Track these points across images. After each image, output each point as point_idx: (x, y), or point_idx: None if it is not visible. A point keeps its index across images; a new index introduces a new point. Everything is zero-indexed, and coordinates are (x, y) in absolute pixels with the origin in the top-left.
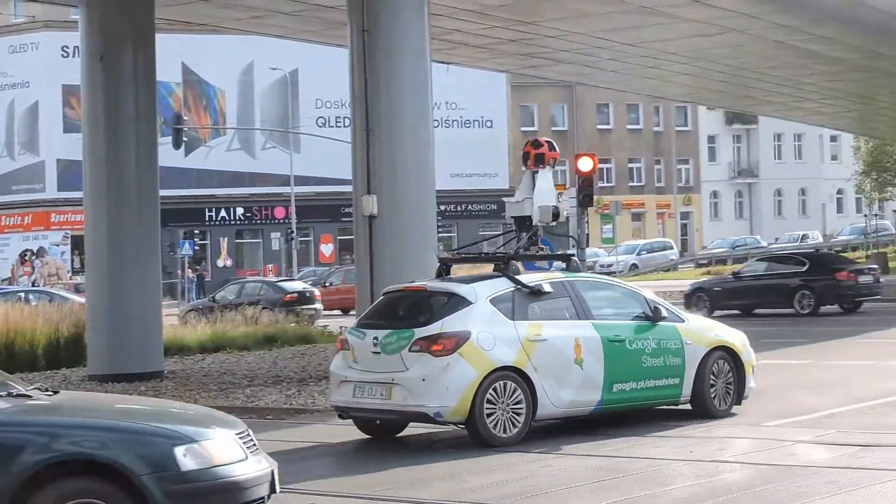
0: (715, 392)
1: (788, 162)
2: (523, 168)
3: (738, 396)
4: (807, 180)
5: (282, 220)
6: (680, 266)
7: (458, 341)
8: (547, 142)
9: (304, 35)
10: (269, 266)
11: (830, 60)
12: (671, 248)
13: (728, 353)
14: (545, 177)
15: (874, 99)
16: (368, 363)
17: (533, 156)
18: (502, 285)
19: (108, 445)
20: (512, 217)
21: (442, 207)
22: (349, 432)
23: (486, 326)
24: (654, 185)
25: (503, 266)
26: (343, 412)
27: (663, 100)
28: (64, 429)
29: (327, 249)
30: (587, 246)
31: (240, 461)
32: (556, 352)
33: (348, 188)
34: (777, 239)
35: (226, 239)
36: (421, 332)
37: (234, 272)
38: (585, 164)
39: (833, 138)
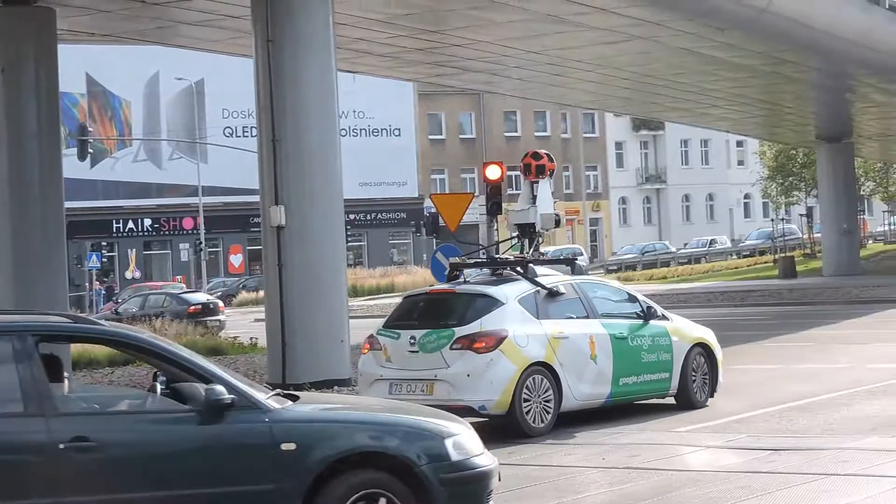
0: (696, 385)
1: (695, 167)
2: (523, 178)
3: (712, 389)
4: (714, 185)
5: (190, 231)
6: (590, 272)
7: (497, 339)
8: (546, 154)
9: (210, 45)
10: (178, 277)
11: (735, 67)
12: (581, 254)
13: (704, 350)
14: (545, 187)
15: (778, 104)
16: (404, 362)
17: (534, 167)
18: (526, 287)
19: (393, 439)
20: (515, 224)
21: (351, 216)
22: None
23: (519, 325)
24: (563, 192)
25: (521, 269)
26: None
27: (570, 107)
28: (355, 424)
29: (237, 260)
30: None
31: (483, 453)
32: (576, 348)
33: (257, 198)
34: (686, 244)
35: (134, 251)
36: (461, 330)
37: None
38: (493, 173)
39: (739, 143)
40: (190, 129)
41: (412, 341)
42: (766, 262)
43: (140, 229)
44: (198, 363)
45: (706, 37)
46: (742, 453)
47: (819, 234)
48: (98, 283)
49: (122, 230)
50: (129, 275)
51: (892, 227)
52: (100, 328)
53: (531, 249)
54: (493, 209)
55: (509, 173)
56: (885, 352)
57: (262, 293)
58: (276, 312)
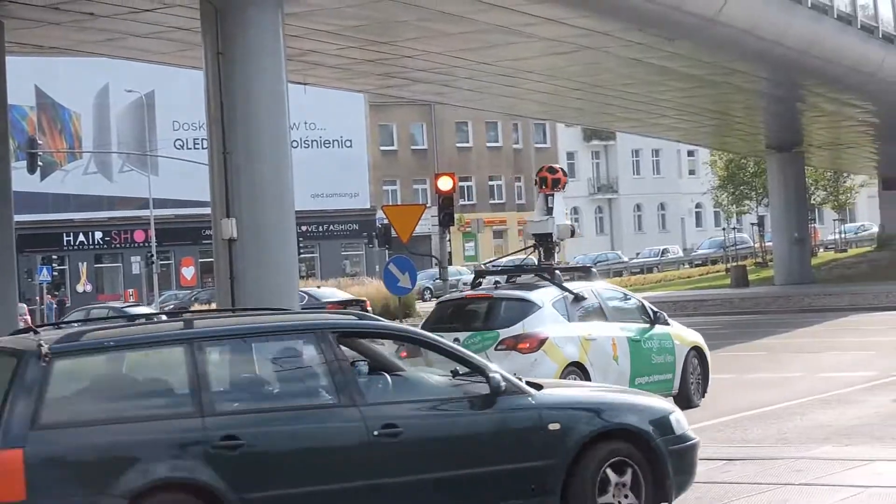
0: (693, 386)
1: (647, 177)
2: (538, 191)
3: (704, 390)
4: (665, 195)
5: (142, 244)
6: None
7: (540, 340)
8: (560, 169)
9: (160, 57)
10: (130, 290)
11: (685, 77)
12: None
13: (698, 353)
14: (559, 199)
15: (729, 114)
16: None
17: (550, 180)
18: (557, 292)
19: (633, 417)
20: (533, 234)
21: (303, 228)
22: None
23: (556, 327)
24: (515, 202)
25: (548, 276)
26: None
27: (522, 117)
28: (603, 405)
29: (188, 272)
30: (450, 264)
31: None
32: (602, 350)
33: (209, 210)
34: (638, 254)
35: (85, 264)
36: (505, 332)
37: (94, 297)
38: (445, 184)
39: (690, 153)
40: (140, 142)
41: (455, 342)
42: (717, 272)
43: (91, 242)
44: (469, 356)
45: (656, 47)
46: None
47: (770, 243)
48: (49, 296)
49: (72, 243)
50: (80, 288)
51: (843, 236)
52: (386, 324)
53: (546, 257)
54: (446, 220)
55: (461, 184)
56: (838, 360)
57: (214, 306)
58: None
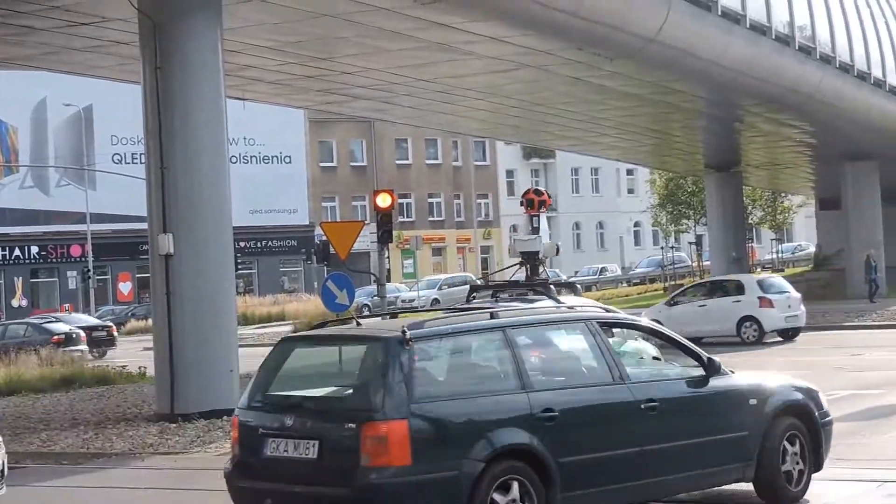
0: None
1: (586, 195)
2: (524, 212)
3: None
4: (604, 213)
5: (78, 259)
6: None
7: None
8: (545, 191)
9: (98, 71)
10: (67, 305)
11: (625, 96)
12: (472, 282)
13: None
14: (543, 220)
15: (668, 133)
16: None
17: (536, 202)
18: (554, 305)
19: (800, 395)
20: (521, 252)
21: (241, 244)
22: (148, 477)
23: None
24: (455, 220)
25: (542, 290)
26: None
27: (461, 135)
28: (781, 387)
29: (125, 288)
30: (388, 281)
31: None
32: None
33: (146, 225)
34: (576, 272)
35: (20, 278)
36: None
37: (29, 311)
38: (384, 201)
39: (629, 172)
40: (78, 156)
41: None
42: (656, 290)
43: (27, 257)
44: (689, 344)
45: (595, 66)
46: None
47: (708, 262)
48: None
49: (8, 258)
50: (15, 303)
51: (781, 256)
52: (630, 318)
53: (531, 273)
54: (384, 237)
55: (400, 201)
56: None
57: (151, 321)
58: (164, 341)
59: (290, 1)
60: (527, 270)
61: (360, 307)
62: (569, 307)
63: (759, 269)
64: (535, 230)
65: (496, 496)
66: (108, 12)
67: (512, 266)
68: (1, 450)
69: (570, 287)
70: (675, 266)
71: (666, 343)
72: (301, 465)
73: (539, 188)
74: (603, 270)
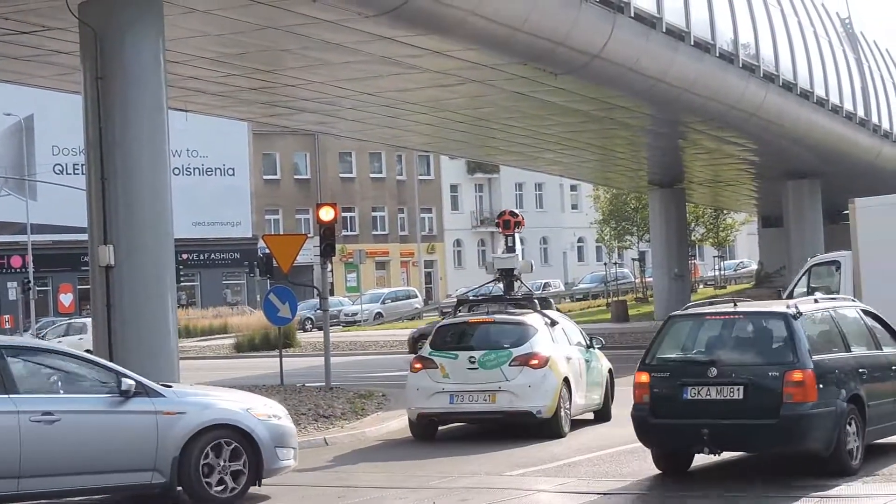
0: (610, 403)
1: (530, 211)
2: (500, 231)
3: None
4: (548, 229)
5: (19, 270)
6: (424, 314)
7: (546, 358)
8: (519, 213)
9: (38, 81)
10: (6, 317)
11: (569, 112)
12: (416, 296)
13: (610, 374)
14: (517, 238)
15: (611, 150)
16: (464, 377)
17: (513, 223)
18: (540, 318)
19: None
20: (499, 269)
21: (184, 256)
22: None
23: (552, 347)
24: (398, 234)
25: (528, 303)
26: (437, 417)
27: (406, 149)
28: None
29: (66, 299)
30: (332, 295)
31: None
32: (576, 367)
33: (87, 237)
34: (520, 287)
35: None
36: (517, 351)
37: None
38: (326, 214)
39: (573, 187)
40: (18, 166)
41: (472, 360)
42: (598, 306)
43: None
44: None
45: (540, 81)
46: (572, 497)
47: (651, 279)
48: None
49: None
50: None
51: (723, 273)
52: None
53: (507, 290)
54: (327, 250)
55: (344, 214)
56: None
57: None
58: (104, 353)
59: (233, 12)
60: (504, 286)
61: (302, 321)
62: (551, 319)
63: (701, 286)
64: (511, 249)
65: (848, 428)
66: (48, 21)
67: (488, 282)
68: (287, 420)
69: (546, 302)
70: (619, 282)
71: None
72: (726, 404)
73: (514, 210)
74: (546, 286)
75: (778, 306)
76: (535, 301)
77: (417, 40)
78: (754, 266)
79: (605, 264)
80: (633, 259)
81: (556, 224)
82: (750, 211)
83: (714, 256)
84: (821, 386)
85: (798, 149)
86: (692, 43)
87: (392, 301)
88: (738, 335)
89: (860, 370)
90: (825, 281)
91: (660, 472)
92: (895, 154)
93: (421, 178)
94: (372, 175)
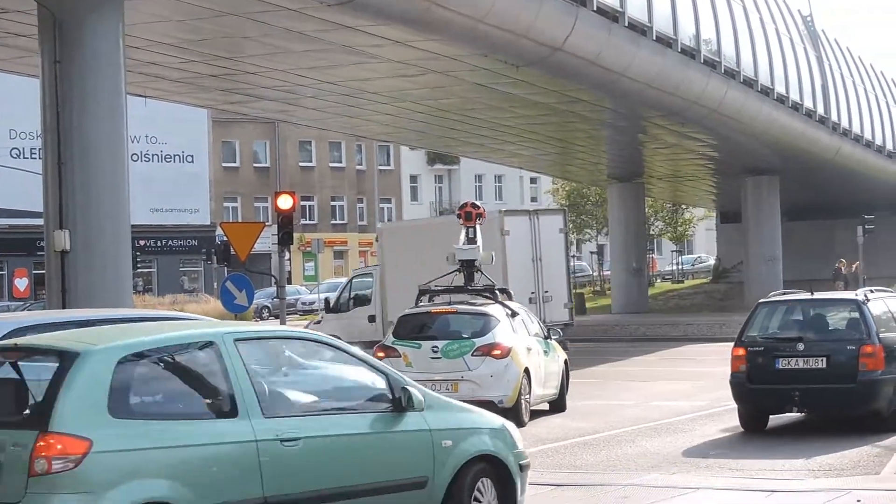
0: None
1: (489, 202)
2: (462, 223)
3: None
4: None
5: None
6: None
7: (508, 348)
8: (481, 204)
9: None
10: None
11: (530, 104)
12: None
13: (566, 365)
14: (479, 230)
15: (571, 143)
16: (427, 366)
17: (474, 215)
18: (502, 309)
19: None
20: (460, 260)
21: (141, 243)
22: None
23: (514, 337)
24: (357, 224)
25: (490, 295)
26: None
27: (366, 139)
28: None
29: (22, 284)
30: (289, 283)
31: None
32: (535, 358)
33: (43, 221)
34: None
35: None
36: (479, 341)
37: None
38: (285, 202)
39: (533, 180)
40: None
41: (434, 350)
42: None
43: None
44: None
45: (501, 73)
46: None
47: (609, 272)
48: None
49: None
50: None
51: (681, 267)
52: None
53: (467, 281)
54: (285, 239)
55: (303, 203)
56: (669, 389)
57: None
58: None
59: None
60: (465, 277)
61: (259, 309)
62: (511, 310)
63: (658, 280)
64: (472, 240)
65: None
66: (7, 3)
67: (450, 273)
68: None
69: (505, 292)
70: (577, 275)
71: None
72: (812, 372)
73: (476, 202)
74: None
75: (848, 294)
76: (497, 292)
77: (378, 30)
78: (712, 261)
79: None
80: (592, 252)
81: None
82: (709, 206)
83: (672, 251)
84: (886, 357)
85: (758, 145)
86: (654, 38)
87: None
88: (818, 317)
89: None
90: (364, 289)
91: (742, 430)
92: (854, 152)
93: (381, 168)
94: (331, 164)
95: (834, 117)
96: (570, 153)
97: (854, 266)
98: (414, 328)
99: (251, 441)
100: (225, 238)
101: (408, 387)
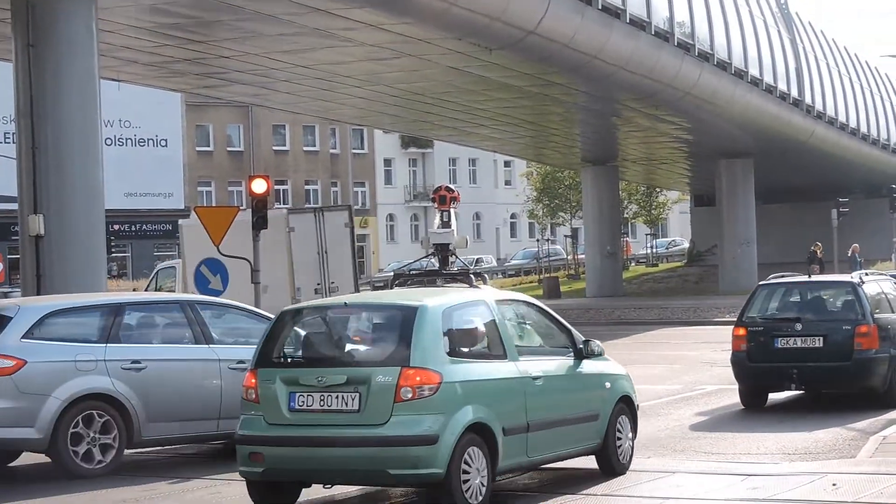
0: None
1: (463, 186)
2: (436, 207)
3: None
4: (481, 205)
5: None
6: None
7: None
8: (455, 188)
9: None
10: None
11: (504, 87)
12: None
13: None
14: (454, 214)
15: (545, 126)
16: None
17: (448, 199)
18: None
19: None
20: (434, 244)
21: (115, 227)
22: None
23: None
24: None
25: (463, 278)
26: None
27: (339, 122)
28: None
29: None
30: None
31: None
32: None
33: (17, 206)
34: (453, 262)
35: None
36: None
37: None
38: (259, 186)
39: (507, 163)
40: None
41: None
42: (531, 282)
43: None
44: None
45: (475, 56)
46: None
47: (583, 256)
48: None
49: None
50: None
51: (655, 251)
52: None
53: (441, 264)
54: (259, 223)
55: (277, 187)
56: (644, 373)
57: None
58: None
59: None
60: (439, 261)
61: None
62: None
63: (633, 264)
64: (447, 224)
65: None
66: None
67: (425, 257)
68: None
69: (479, 276)
70: (551, 258)
71: None
72: (808, 351)
73: (450, 186)
74: (478, 261)
75: (844, 277)
76: (471, 276)
77: (352, 13)
78: (686, 244)
79: (538, 241)
80: (566, 236)
81: (490, 200)
82: (683, 190)
83: (646, 234)
84: (881, 337)
85: (731, 128)
86: (628, 20)
87: None
88: (815, 298)
89: None
90: (168, 280)
91: (743, 406)
92: (828, 134)
93: (354, 151)
94: (305, 148)
95: (808, 100)
96: (543, 136)
97: (851, 249)
98: None
99: (518, 377)
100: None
101: (588, 340)
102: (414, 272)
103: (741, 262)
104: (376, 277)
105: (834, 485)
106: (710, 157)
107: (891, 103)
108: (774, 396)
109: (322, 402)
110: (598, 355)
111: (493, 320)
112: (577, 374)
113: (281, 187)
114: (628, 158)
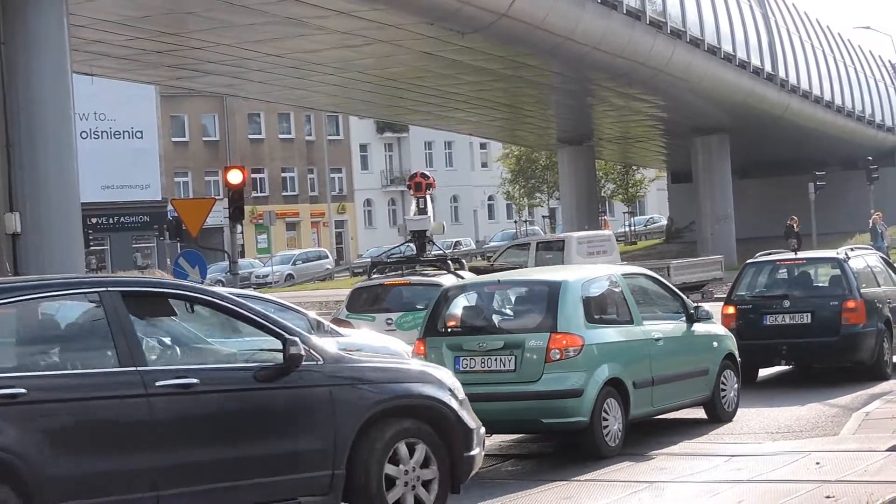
0: None
1: (440, 169)
2: (412, 194)
3: None
4: (458, 187)
5: None
6: (336, 275)
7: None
8: (430, 175)
9: None
10: None
11: (477, 70)
12: (326, 257)
13: None
14: (429, 201)
15: (520, 108)
16: None
17: (424, 185)
18: (455, 278)
19: None
20: (411, 231)
21: (93, 220)
22: None
23: None
24: (308, 195)
25: (441, 265)
26: None
27: (314, 109)
28: None
29: None
30: (242, 257)
31: None
32: None
33: None
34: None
35: None
36: None
37: None
38: (235, 177)
39: (483, 146)
40: None
41: (389, 322)
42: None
43: None
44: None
45: (447, 40)
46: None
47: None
48: None
49: None
50: None
51: (633, 229)
52: None
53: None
54: (236, 214)
55: (254, 175)
56: None
57: None
58: None
59: None
60: (416, 247)
61: (213, 283)
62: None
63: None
64: (423, 211)
65: (884, 344)
66: None
67: (403, 244)
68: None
69: (457, 262)
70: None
71: None
72: (797, 327)
73: (426, 172)
74: (457, 244)
75: (830, 253)
76: (449, 262)
77: (323, 1)
78: (664, 221)
79: (516, 222)
80: (544, 216)
81: (467, 182)
82: (659, 167)
83: (624, 212)
84: (867, 312)
85: (706, 104)
86: (599, 0)
87: (303, 262)
88: (802, 275)
89: (887, 300)
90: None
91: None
92: (803, 108)
93: (330, 138)
94: (281, 136)
95: (782, 74)
96: (519, 118)
97: (872, 217)
98: (367, 301)
99: (643, 339)
100: (176, 214)
101: (698, 305)
102: (393, 258)
103: (719, 238)
104: (355, 263)
105: (818, 464)
106: (685, 134)
107: (864, 75)
108: (764, 372)
109: (483, 364)
110: (706, 319)
111: (621, 291)
112: (690, 335)
113: (258, 176)
114: (604, 138)
